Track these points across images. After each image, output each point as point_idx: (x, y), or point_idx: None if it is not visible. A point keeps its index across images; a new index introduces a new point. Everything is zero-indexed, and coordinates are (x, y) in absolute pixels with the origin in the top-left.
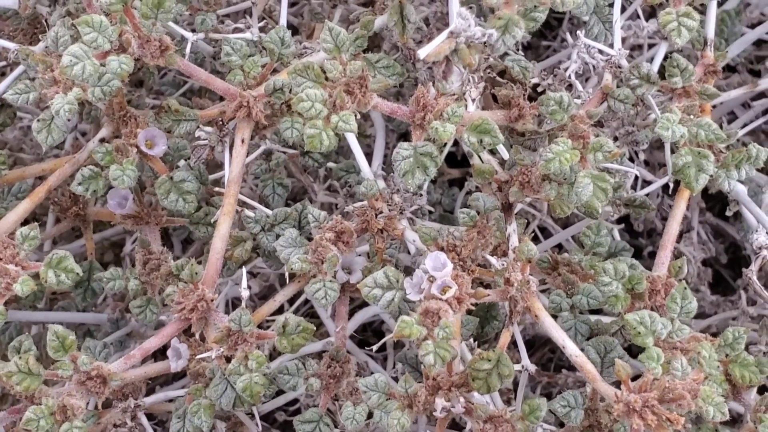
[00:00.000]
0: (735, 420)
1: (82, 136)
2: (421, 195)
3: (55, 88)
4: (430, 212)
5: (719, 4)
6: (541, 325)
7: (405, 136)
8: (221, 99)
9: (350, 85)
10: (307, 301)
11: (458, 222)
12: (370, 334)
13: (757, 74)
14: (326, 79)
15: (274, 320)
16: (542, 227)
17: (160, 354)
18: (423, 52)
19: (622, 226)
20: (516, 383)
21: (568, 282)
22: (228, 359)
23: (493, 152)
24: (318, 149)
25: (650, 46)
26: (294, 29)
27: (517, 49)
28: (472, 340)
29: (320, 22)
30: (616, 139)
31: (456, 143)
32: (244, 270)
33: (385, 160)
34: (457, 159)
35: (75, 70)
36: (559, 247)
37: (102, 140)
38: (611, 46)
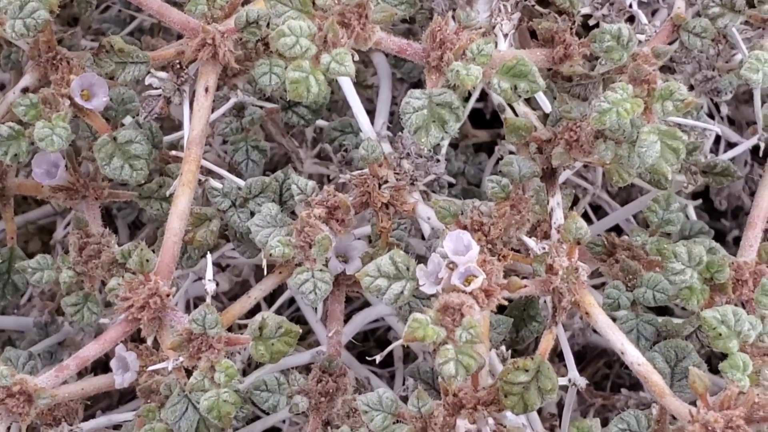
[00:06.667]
0: None
1: None
2: (438, 161)
3: None
4: (451, 185)
5: None
6: (594, 326)
7: (417, 87)
8: (179, 38)
9: (346, 14)
10: (291, 301)
11: (486, 196)
12: (372, 344)
13: None
14: (315, 7)
15: (248, 323)
16: (595, 205)
17: (101, 368)
18: None
19: (699, 202)
20: (561, 404)
21: (628, 271)
22: (189, 371)
23: (530, 103)
24: (304, 98)
25: None
26: None
27: None
28: (503, 347)
29: None
30: (691, 87)
31: (483, 96)
32: (209, 257)
33: (391, 118)
34: (485, 117)
35: None
36: (617, 231)
37: (25, 90)
38: None
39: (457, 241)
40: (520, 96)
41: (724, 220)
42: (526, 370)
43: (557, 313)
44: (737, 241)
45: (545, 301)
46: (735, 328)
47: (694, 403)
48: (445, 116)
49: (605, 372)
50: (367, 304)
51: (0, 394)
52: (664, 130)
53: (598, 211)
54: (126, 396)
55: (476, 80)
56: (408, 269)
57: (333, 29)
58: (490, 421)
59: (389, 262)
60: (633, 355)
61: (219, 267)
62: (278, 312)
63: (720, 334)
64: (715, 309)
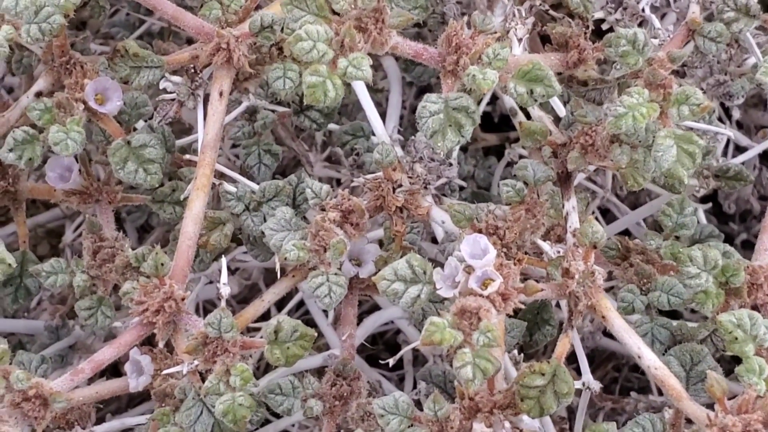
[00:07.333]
0: None
1: (8, 94)
2: (450, 164)
3: None
4: (461, 188)
5: None
6: (611, 329)
7: (427, 90)
8: (190, 42)
9: (363, 19)
10: (300, 305)
11: (496, 199)
12: (382, 347)
13: None
14: (332, 12)
15: (260, 327)
16: (604, 209)
17: (110, 370)
18: None
19: (709, 206)
20: (570, 408)
21: (642, 275)
22: (203, 375)
23: (542, 107)
24: (321, 103)
25: None
26: None
27: None
28: (516, 351)
29: None
30: (702, 91)
31: (492, 99)
32: (224, 260)
33: (401, 122)
34: (494, 122)
35: (6, 2)
36: (627, 234)
37: (38, 94)
38: None
39: (474, 244)
40: (536, 100)
41: (732, 223)
42: (543, 374)
43: (573, 317)
44: (745, 244)
45: (558, 305)
46: (751, 332)
47: (709, 407)
48: (461, 120)
49: (614, 375)
50: (376, 307)
51: (16, 398)
52: (680, 135)
53: (607, 214)
54: (135, 399)
55: (493, 84)
56: (425, 273)
57: (350, 34)
58: (507, 424)
59: (406, 265)
60: (650, 359)
61: (229, 270)
62: (288, 315)
63: (736, 338)
64: (731, 313)
